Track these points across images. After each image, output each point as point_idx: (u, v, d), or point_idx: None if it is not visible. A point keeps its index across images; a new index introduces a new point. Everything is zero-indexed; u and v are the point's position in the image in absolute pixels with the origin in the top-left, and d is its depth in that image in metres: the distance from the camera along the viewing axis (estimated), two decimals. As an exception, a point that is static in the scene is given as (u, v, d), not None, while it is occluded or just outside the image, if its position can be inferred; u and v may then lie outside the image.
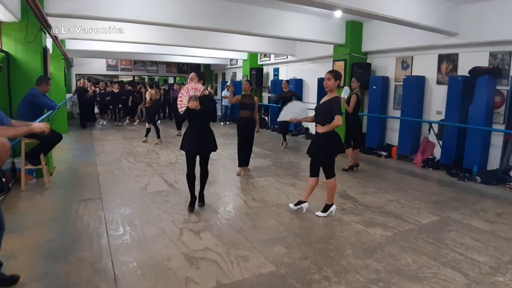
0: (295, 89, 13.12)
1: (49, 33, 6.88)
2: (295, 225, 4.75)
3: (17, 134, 2.66)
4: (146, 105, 11.38)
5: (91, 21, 8.81)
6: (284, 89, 11.02)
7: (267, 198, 5.83)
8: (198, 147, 5.01)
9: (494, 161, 7.39)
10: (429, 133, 8.58)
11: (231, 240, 4.20)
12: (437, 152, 8.49)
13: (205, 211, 5.21)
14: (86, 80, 16.26)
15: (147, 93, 11.38)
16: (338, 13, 7.64)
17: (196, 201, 5.33)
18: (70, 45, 12.27)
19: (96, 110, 16.53)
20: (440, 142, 8.28)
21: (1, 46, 6.00)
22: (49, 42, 7.95)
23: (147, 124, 11.13)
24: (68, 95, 14.01)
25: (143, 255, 3.77)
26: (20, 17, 5.97)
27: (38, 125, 2.90)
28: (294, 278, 3.37)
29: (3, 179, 2.46)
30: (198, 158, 5.11)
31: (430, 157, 8.54)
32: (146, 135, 11.06)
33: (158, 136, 10.82)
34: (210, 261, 3.65)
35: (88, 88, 15.10)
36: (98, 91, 15.78)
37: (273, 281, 3.33)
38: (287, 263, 3.66)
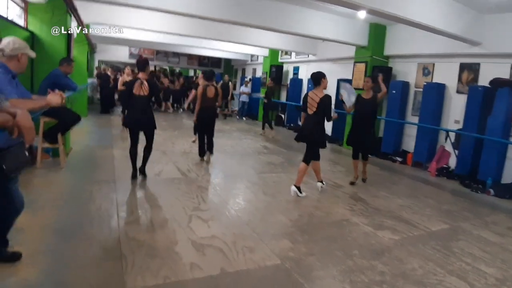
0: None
1: (75, 16, 6.97)
2: (304, 222, 4.76)
3: (35, 107, 2.70)
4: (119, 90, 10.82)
5: (111, 15, 9.02)
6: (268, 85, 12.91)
7: (277, 194, 5.84)
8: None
9: (509, 175, 7.27)
10: (445, 142, 8.47)
11: (239, 231, 4.23)
12: (452, 162, 8.37)
13: (215, 201, 5.27)
14: (106, 67, 16.42)
15: (120, 78, 10.98)
16: (362, 14, 7.59)
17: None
18: (93, 31, 12.43)
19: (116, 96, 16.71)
20: (456, 151, 8.17)
21: (27, 25, 6.11)
22: (74, 26, 8.05)
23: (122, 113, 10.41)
24: (90, 80, 14.18)
25: (151, 238, 3.83)
26: (47, -1, 6.07)
27: (55, 99, 2.89)
28: (299, 273, 3.38)
29: (27, 154, 2.51)
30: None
31: (445, 166, 8.43)
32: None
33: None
34: (216, 249, 3.69)
35: (110, 74, 15.27)
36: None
37: (277, 274, 3.35)
38: (293, 258, 3.67)
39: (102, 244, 3.57)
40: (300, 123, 5.69)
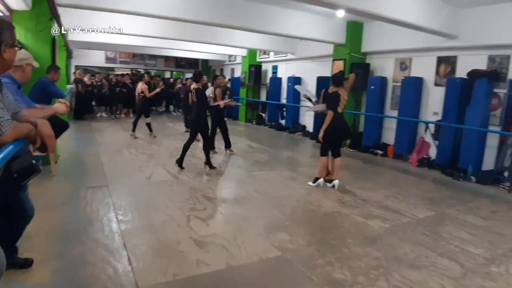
0: (293, 87, 13.31)
1: (58, 23, 6.96)
2: (297, 216, 4.95)
3: (45, 115, 2.74)
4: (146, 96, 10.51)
5: (91, 20, 9.11)
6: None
7: (268, 190, 5.99)
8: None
9: (489, 162, 7.55)
10: (425, 133, 8.78)
11: (237, 228, 4.37)
12: (432, 152, 8.68)
13: (210, 201, 5.37)
14: (82, 72, 16.22)
15: (138, 86, 10.68)
16: (340, 13, 7.80)
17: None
18: (71, 36, 12.31)
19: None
20: (436, 142, 8.48)
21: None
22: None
23: (147, 119, 10.58)
24: (68, 86, 14.04)
25: (153, 238, 3.93)
26: (31, 6, 6.03)
27: (61, 107, 2.97)
28: (300, 262, 3.55)
29: (34, 161, 2.57)
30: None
31: (425, 156, 8.73)
32: (152, 130, 10.65)
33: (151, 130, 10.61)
34: (219, 246, 3.82)
35: (86, 79, 15.14)
36: (95, 83, 15.81)
37: (280, 264, 3.51)
38: (292, 249, 3.83)
39: (108, 247, 3.65)
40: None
